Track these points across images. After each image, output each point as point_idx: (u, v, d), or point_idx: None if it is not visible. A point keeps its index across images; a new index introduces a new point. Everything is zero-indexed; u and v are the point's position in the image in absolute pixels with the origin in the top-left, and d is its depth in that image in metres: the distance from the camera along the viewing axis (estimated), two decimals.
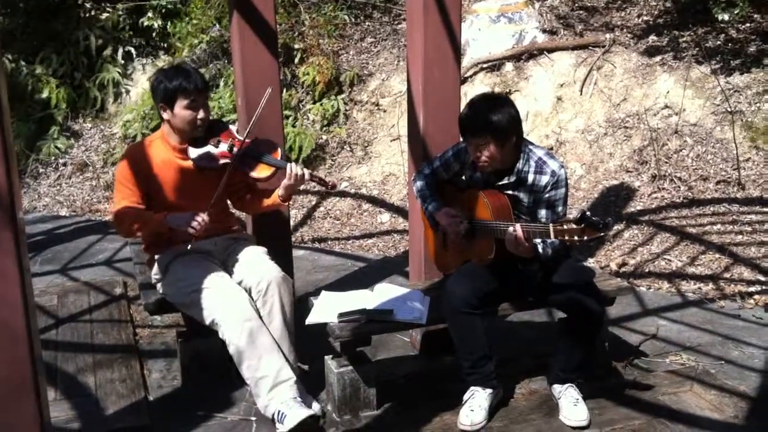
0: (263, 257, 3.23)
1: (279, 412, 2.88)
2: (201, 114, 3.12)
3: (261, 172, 3.18)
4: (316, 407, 2.98)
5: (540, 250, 2.95)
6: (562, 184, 2.98)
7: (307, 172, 3.14)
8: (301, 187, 3.41)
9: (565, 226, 2.57)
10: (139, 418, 3.12)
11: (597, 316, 2.98)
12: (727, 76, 6.10)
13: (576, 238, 2.54)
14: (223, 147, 3.18)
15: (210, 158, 3.17)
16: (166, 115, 3.14)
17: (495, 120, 2.88)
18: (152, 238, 3.27)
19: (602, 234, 2.55)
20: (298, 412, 2.84)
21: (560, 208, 3.01)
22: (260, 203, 3.34)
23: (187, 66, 3.23)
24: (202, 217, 3.02)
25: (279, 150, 3.24)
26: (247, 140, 3.18)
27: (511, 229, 2.80)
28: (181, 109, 3.09)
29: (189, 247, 3.04)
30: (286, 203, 3.31)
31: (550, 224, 2.64)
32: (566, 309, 3.04)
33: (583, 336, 3.04)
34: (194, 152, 3.17)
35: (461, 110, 3.03)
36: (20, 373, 2.04)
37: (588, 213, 2.53)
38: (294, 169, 3.11)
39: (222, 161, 3.16)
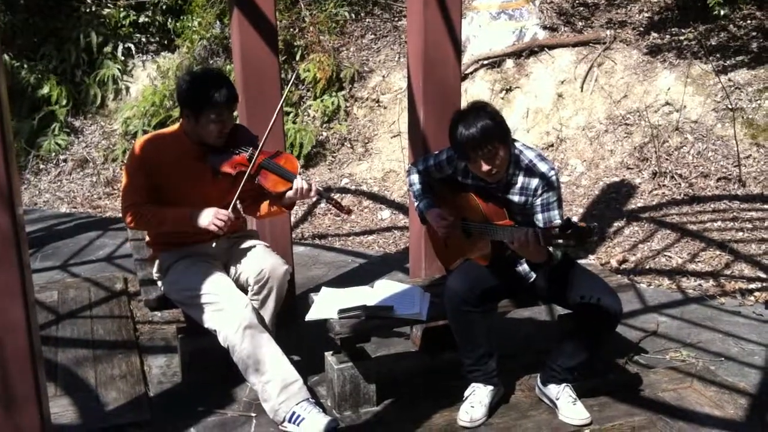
0: (267, 250, 3.23)
1: (294, 414, 2.88)
2: (226, 127, 3.07)
3: (277, 186, 3.10)
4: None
5: (552, 253, 2.88)
6: (553, 186, 2.92)
7: (315, 188, 3.06)
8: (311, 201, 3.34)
9: (553, 233, 2.57)
10: (140, 414, 3.12)
11: (616, 316, 2.91)
12: (728, 73, 6.09)
13: (564, 242, 2.54)
14: (243, 156, 3.12)
15: (228, 165, 3.11)
16: (189, 120, 3.07)
17: (504, 123, 2.89)
18: (162, 236, 3.22)
19: (590, 239, 2.54)
20: (318, 418, 2.85)
21: (555, 211, 2.95)
22: (269, 208, 3.26)
23: (219, 75, 3.09)
24: (227, 214, 2.99)
25: (298, 165, 3.18)
26: (267, 152, 3.12)
27: (517, 234, 2.78)
28: (207, 121, 3.02)
29: (214, 245, 3.09)
30: (290, 210, 3.29)
31: (539, 231, 2.65)
32: (583, 309, 2.93)
33: (597, 336, 2.99)
34: (213, 156, 3.11)
35: (459, 131, 2.86)
36: (20, 368, 2.04)
37: (573, 220, 2.52)
38: (299, 183, 3.04)
39: (239, 170, 3.10)
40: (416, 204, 3.26)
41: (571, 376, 3.05)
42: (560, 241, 2.55)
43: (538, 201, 2.95)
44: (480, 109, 2.89)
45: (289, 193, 3.08)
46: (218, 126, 3.03)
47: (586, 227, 2.50)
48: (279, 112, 3.45)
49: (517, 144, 2.99)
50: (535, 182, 2.93)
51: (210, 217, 3.00)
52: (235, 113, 4.08)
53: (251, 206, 3.35)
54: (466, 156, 2.90)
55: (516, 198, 2.99)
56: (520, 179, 2.96)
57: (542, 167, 2.92)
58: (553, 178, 2.92)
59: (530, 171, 2.94)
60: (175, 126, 3.22)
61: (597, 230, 2.58)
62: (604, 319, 2.91)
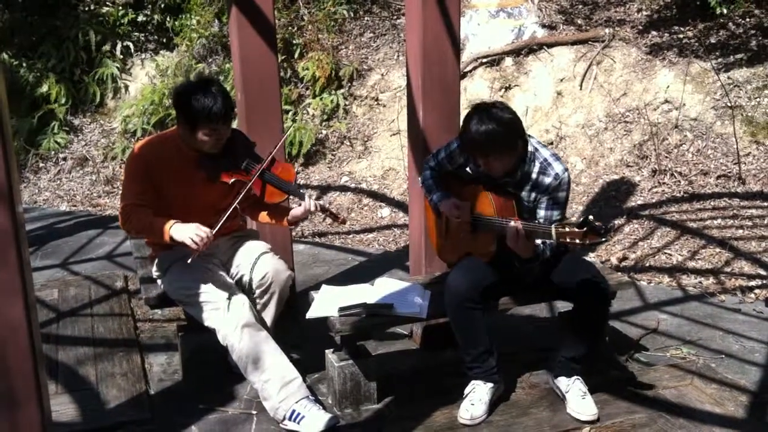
0: (270, 254, 3.22)
1: (294, 412, 2.88)
2: (222, 138, 3.05)
3: (273, 196, 3.12)
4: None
5: (539, 250, 2.94)
6: (564, 187, 2.95)
7: (317, 204, 3.08)
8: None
9: (567, 229, 2.57)
10: (140, 412, 3.12)
11: (608, 296, 2.99)
12: (727, 71, 6.09)
13: (578, 241, 2.54)
14: (240, 165, 3.11)
15: (224, 174, 3.09)
16: (184, 129, 3.04)
17: (515, 128, 2.86)
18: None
19: (603, 240, 2.56)
20: (318, 415, 2.86)
21: (558, 211, 2.98)
22: (269, 219, 3.26)
23: (215, 87, 3.01)
24: (206, 233, 2.88)
25: (295, 175, 3.19)
26: (264, 163, 3.11)
27: (512, 223, 2.81)
28: (201, 134, 2.99)
29: (189, 261, 2.91)
30: (292, 226, 3.29)
31: (553, 226, 2.65)
32: (577, 292, 2.97)
33: (595, 319, 3.03)
34: (209, 163, 3.09)
35: (469, 128, 2.85)
36: (21, 366, 2.04)
37: (591, 218, 2.54)
38: (308, 205, 3.07)
39: (235, 179, 3.09)
40: (430, 198, 3.24)
41: (578, 366, 3.06)
42: (568, 239, 2.56)
43: (545, 198, 2.97)
44: (493, 111, 2.86)
45: (296, 212, 3.12)
46: (213, 138, 3.02)
47: (601, 227, 2.52)
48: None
49: (532, 141, 3.00)
50: (547, 181, 2.95)
51: (189, 232, 2.87)
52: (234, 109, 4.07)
53: (249, 210, 3.35)
54: (470, 155, 2.97)
55: (527, 195, 3.01)
56: (533, 177, 2.97)
57: (557, 168, 2.94)
58: (566, 179, 2.95)
59: (544, 170, 2.95)
60: (172, 130, 3.20)
61: (612, 231, 2.63)
62: (600, 297, 2.97)
